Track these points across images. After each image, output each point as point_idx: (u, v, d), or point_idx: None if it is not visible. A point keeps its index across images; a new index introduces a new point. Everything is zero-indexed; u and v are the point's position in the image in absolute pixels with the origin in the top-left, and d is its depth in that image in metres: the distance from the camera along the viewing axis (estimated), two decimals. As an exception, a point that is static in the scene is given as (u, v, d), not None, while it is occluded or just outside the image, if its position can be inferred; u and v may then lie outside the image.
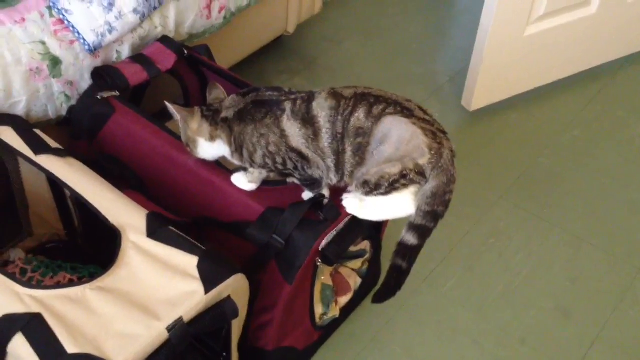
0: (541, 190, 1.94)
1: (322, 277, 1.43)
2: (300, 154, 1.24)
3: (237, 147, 1.28)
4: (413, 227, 1.22)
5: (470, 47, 2.06)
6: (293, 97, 1.25)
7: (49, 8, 1.47)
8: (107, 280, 1.13)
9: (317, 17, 2.36)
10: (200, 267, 1.15)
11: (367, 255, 1.56)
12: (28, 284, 1.11)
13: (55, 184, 1.44)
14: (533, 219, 1.85)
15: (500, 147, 2.07)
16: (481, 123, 2.14)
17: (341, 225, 1.31)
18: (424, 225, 1.21)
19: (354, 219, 1.31)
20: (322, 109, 1.21)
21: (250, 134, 1.25)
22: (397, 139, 1.16)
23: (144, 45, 1.63)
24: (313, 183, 1.29)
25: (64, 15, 1.47)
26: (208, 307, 1.12)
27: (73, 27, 1.48)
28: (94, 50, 1.51)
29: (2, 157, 1.43)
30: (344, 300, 1.53)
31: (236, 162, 1.32)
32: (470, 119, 2.15)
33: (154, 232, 1.20)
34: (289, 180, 1.33)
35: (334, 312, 1.49)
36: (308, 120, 1.22)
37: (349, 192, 1.27)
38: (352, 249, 1.52)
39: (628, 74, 2.34)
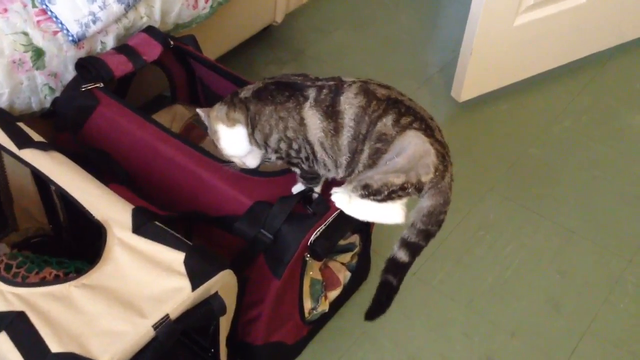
0: (531, 182, 1.93)
1: (311, 272, 1.42)
2: (312, 149, 1.20)
3: (252, 129, 1.23)
4: (406, 244, 1.22)
5: (460, 37, 2.04)
6: (319, 84, 1.19)
7: (32, -2, 1.44)
8: (92, 277, 1.11)
9: (306, 7, 2.34)
10: (187, 263, 1.13)
11: (357, 249, 1.55)
12: (11, 281, 1.08)
13: (40, 178, 1.41)
14: (523, 210, 1.84)
15: (490, 138, 2.06)
16: (471, 114, 2.13)
17: (330, 219, 1.29)
18: (417, 243, 1.21)
19: (344, 213, 1.29)
20: (350, 105, 1.16)
21: (268, 115, 1.19)
22: (412, 153, 1.15)
23: (129, 36, 1.60)
24: (313, 178, 1.27)
25: (47, 6, 1.44)
26: (195, 303, 1.10)
27: (56, 17, 1.45)
28: (77, 41, 1.48)
29: (-16, 151, 1.40)
30: (333, 294, 1.51)
31: (254, 147, 1.26)
32: (459, 110, 2.14)
33: (139, 227, 1.17)
34: (294, 169, 1.29)
35: (324, 306, 1.48)
36: (331, 115, 1.17)
37: (340, 185, 1.25)
38: (342, 242, 1.51)
39: (618, 63, 2.33)
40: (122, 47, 1.54)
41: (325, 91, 1.18)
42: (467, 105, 2.14)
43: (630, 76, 2.30)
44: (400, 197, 1.18)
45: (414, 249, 1.22)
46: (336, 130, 1.17)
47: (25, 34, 1.41)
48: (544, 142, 2.05)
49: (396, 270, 1.25)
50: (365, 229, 1.53)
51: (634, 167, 1.99)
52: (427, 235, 1.21)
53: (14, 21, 1.40)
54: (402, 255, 1.23)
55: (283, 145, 1.21)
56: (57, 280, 1.11)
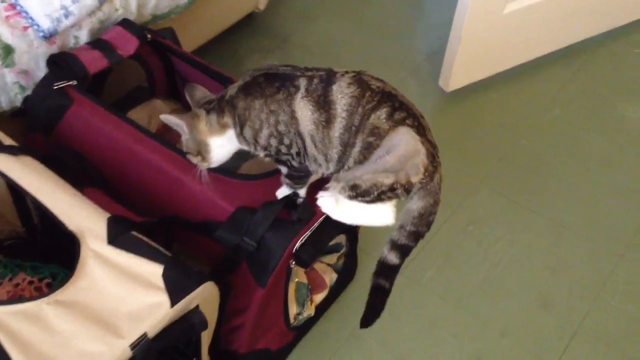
0: (522, 175, 1.89)
1: (297, 277, 1.37)
2: (304, 143, 1.15)
3: (241, 126, 1.17)
4: (396, 246, 1.19)
5: (447, 23, 1.99)
6: (309, 73, 1.13)
7: (-1, -8, 1.37)
8: (65, 292, 1.06)
9: (289, -8, 2.27)
10: (165, 276, 1.07)
11: (343, 249, 1.51)
12: (-21, 300, 1.03)
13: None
14: (513, 205, 1.81)
15: (479, 129, 2.02)
16: (459, 104, 2.08)
17: (316, 225, 1.24)
18: (407, 245, 1.18)
19: (330, 218, 1.24)
20: (343, 95, 1.10)
21: (259, 109, 1.13)
22: (402, 152, 1.10)
23: (104, 30, 1.53)
24: (300, 178, 1.21)
25: (15, 0, 1.37)
26: (175, 319, 1.06)
27: (26, 12, 1.38)
28: (49, 37, 1.41)
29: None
30: (319, 297, 1.48)
31: (243, 146, 1.21)
32: (447, 100, 2.09)
33: (115, 238, 1.12)
34: (281, 168, 1.23)
35: (310, 310, 1.44)
36: (323, 105, 1.11)
37: (326, 189, 1.20)
38: (328, 243, 1.46)
39: (609, 49, 2.28)
40: (97, 42, 1.47)
41: (316, 80, 1.12)
42: (455, 95, 2.09)
43: (621, 63, 2.25)
44: (389, 198, 1.14)
45: (403, 251, 1.20)
46: (328, 122, 1.11)
47: (-7, 30, 1.34)
48: (535, 132, 2.01)
49: (387, 273, 1.22)
50: (352, 228, 1.48)
51: (626, 158, 1.95)
52: (417, 236, 1.18)
53: (-20, 17, 1.33)
54: (393, 258, 1.20)
55: (273, 141, 1.16)
56: (28, 298, 1.05)
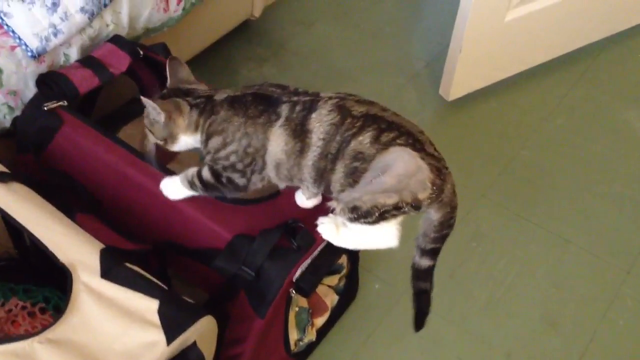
0: (524, 187, 1.85)
1: (297, 305, 1.33)
2: (264, 167, 1.14)
3: (212, 132, 1.15)
4: (425, 252, 1.18)
5: (447, 28, 1.95)
6: (295, 99, 1.12)
7: (-16, 11, 1.32)
8: (57, 330, 1.02)
9: (285, -2, 2.22)
10: (161, 312, 1.04)
11: (344, 271, 1.47)
12: (-32, 340, 0.99)
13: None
14: (516, 218, 1.77)
15: (480, 140, 1.98)
16: (460, 113, 2.04)
17: (316, 252, 1.20)
18: (435, 248, 1.17)
19: (331, 244, 1.20)
20: (320, 124, 1.09)
21: (236, 127, 1.12)
22: (402, 171, 1.07)
23: (95, 46, 1.48)
24: (219, 191, 1.19)
25: (2, 19, 1.32)
26: (171, 357, 1.02)
27: (13, 31, 1.33)
28: (37, 56, 1.37)
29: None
30: (320, 321, 1.44)
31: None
32: (447, 109, 2.05)
33: (108, 271, 1.08)
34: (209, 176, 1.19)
35: (311, 335, 1.40)
36: (300, 134, 1.09)
37: (332, 211, 1.16)
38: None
39: (610, 55, 2.24)
40: (87, 60, 1.43)
41: (298, 108, 1.11)
42: (456, 103, 2.05)
43: (624, 68, 2.21)
44: (394, 216, 1.10)
45: (434, 252, 1.19)
46: (302, 151, 1.10)
47: (-21, 50, 1.30)
48: (536, 142, 1.97)
49: (425, 275, 1.20)
50: (353, 250, 1.44)
51: (631, 168, 1.91)
52: (442, 238, 1.17)
53: (-35, 37, 1.28)
54: (425, 262, 1.19)
55: (234, 157, 1.14)
56: (18, 336, 1.01)
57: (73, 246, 1.11)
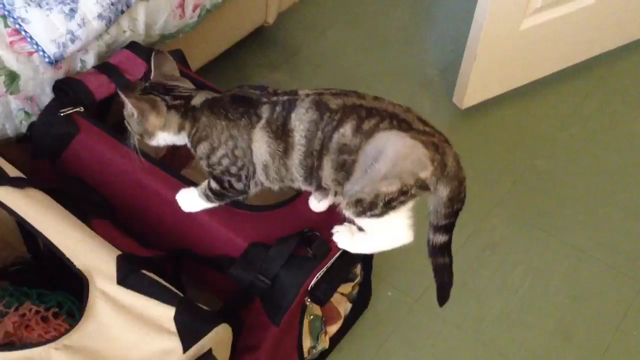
0: (538, 196, 1.84)
1: (312, 313, 1.33)
2: (254, 170, 1.14)
3: (198, 139, 1.15)
4: (438, 228, 1.14)
5: (460, 35, 1.94)
6: (274, 99, 1.11)
7: (4, 17, 1.32)
8: (73, 337, 1.02)
9: (298, 5, 2.22)
10: (177, 319, 1.04)
11: (358, 279, 1.46)
12: (-16, 347, 0.99)
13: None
14: (530, 228, 1.76)
15: (494, 149, 1.97)
16: (473, 121, 2.03)
17: (331, 261, 1.20)
18: (448, 223, 1.14)
19: (346, 253, 1.20)
20: (300, 121, 1.07)
21: (220, 131, 1.12)
22: (393, 155, 1.05)
23: (111, 52, 1.49)
24: (224, 197, 1.18)
25: (20, 25, 1.33)
26: (187, 365, 1.02)
27: (31, 37, 1.33)
28: (55, 62, 1.37)
29: (-45, 185, 1.29)
30: (333, 329, 1.43)
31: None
32: (461, 117, 2.04)
33: (125, 278, 1.08)
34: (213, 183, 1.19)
35: (324, 343, 1.40)
36: (282, 134, 1.08)
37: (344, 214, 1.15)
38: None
39: (626, 64, 2.23)
40: (104, 66, 1.43)
41: (278, 109, 1.10)
42: (469, 111, 2.05)
43: (638, 77, 2.20)
44: (403, 202, 1.08)
45: (447, 227, 1.15)
46: (285, 151, 1.09)
47: (-3, 56, 1.30)
48: (550, 151, 1.96)
49: (442, 251, 1.17)
50: (367, 258, 1.44)
51: (645, 178, 1.90)
52: (455, 213, 1.14)
53: (-16, 43, 1.29)
54: (440, 237, 1.15)
55: (225, 161, 1.14)
56: (36, 344, 1.01)
57: (89, 252, 1.11)
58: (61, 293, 1.41)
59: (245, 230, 1.21)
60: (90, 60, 1.46)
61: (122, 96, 1.13)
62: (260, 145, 1.10)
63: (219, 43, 2.00)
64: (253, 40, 2.16)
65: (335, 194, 1.12)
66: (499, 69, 1.99)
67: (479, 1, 1.79)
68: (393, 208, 1.08)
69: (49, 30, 1.34)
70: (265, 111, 1.10)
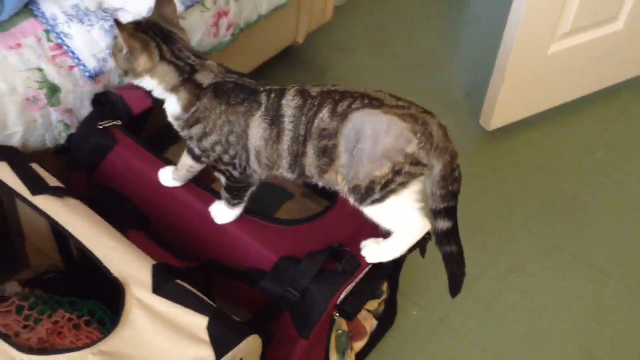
0: (564, 220, 1.84)
1: (340, 328, 1.35)
2: (248, 158, 1.16)
3: (196, 119, 1.16)
4: (438, 212, 1.14)
5: (486, 58, 1.96)
6: (268, 88, 1.15)
7: (47, 32, 1.37)
8: (110, 343, 1.04)
9: (327, 26, 2.26)
10: (210, 329, 1.06)
11: (384, 296, 1.47)
12: (26, 349, 1.02)
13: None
14: (556, 251, 1.76)
15: (520, 171, 1.98)
16: (500, 143, 2.05)
17: (360, 276, 1.22)
18: (447, 207, 1.13)
19: (375, 268, 1.22)
20: (288, 108, 1.12)
21: (218, 115, 1.14)
22: (372, 132, 1.07)
23: (149, 68, 1.52)
24: (240, 189, 1.21)
25: (62, 40, 1.37)
26: (218, 374, 1.04)
27: (73, 52, 1.38)
28: (94, 76, 1.41)
29: (-3, 193, 1.34)
30: (359, 345, 1.44)
31: (175, 126, 1.20)
32: (488, 139, 2.06)
33: (160, 287, 1.11)
34: (220, 177, 1.23)
35: (350, 359, 1.41)
36: (275, 120, 1.12)
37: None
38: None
39: (654, 90, 2.24)
40: (141, 81, 1.47)
41: (272, 96, 1.14)
42: (496, 134, 2.06)
43: (665, 103, 2.21)
44: (403, 184, 1.09)
45: (448, 212, 1.14)
46: (278, 136, 1.12)
47: (40, 70, 1.35)
48: (576, 175, 1.97)
49: (447, 238, 1.17)
50: (394, 275, 1.45)
51: (672, 204, 1.90)
52: (452, 195, 1.13)
53: (27, 57, 1.34)
54: (443, 223, 1.15)
55: (218, 149, 1.17)
56: (73, 348, 1.04)
57: (126, 261, 1.14)
58: (93, 302, 1.44)
59: (276, 244, 1.23)
60: (128, 75, 1.50)
61: (117, 29, 1.11)
62: (258, 131, 1.13)
63: (250, 61, 2.04)
64: (283, 59, 2.20)
65: (337, 184, 1.14)
66: (526, 92, 2.01)
67: (507, 25, 1.82)
68: (393, 191, 1.10)
69: (89, 45, 1.39)
70: (264, 98, 1.14)
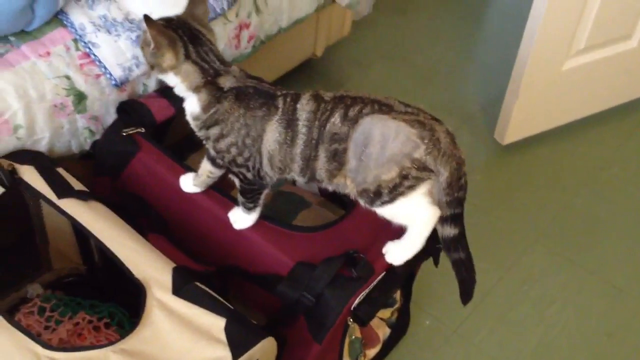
0: (577, 234, 1.86)
1: (353, 334, 1.37)
2: (261, 161, 1.20)
3: (214, 121, 1.19)
4: (444, 219, 1.16)
5: (502, 72, 1.99)
6: (284, 92, 1.19)
7: (75, 41, 1.42)
8: (130, 342, 1.08)
9: (345, 39, 2.30)
10: (227, 330, 1.09)
11: (397, 305, 1.50)
12: (49, 345, 1.05)
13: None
14: (569, 265, 1.78)
15: (534, 185, 2.00)
16: (514, 157, 2.07)
17: (374, 283, 1.24)
18: (454, 214, 1.16)
19: (389, 275, 1.25)
20: (302, 111, 1.16)
21: (236, 118, 1.18)
22: (380, 137, 1.10)
23: (172, 78, 1.57)
24: (254, 191, 1.24)
25: (90, 49, 1.42)
26: (234, 374, 1.07)
27: (100, 61, 1.43)
28: (120, 85, 1.46)
29: (24, 196, 1.38)
30: (372, 352, 1.47)
31: (193, 126, 1.23)
32: (502, 153, 2.08)
33: (179, 288, 1.14)
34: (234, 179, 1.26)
35: (362, 366, 1.43)
36: (290, 124, 1.16)
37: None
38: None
39: (667, 107, 2.25)
40: (164, 90, 1.51)
41: (288, 100, 1.17)
42: (510, 147, 2.08)
43: (681, 121, 2.22)
44: (411, 187, 1.12)
45: (455, 219, 1.17)
46: (292, 139, 1.16)
47: (68, 77, 1.39)
48: (590, 190, 1.98)
49: (455, 244, 1.19)
50: (408, 283, 1.48)
51: (685, 221, 1.91)
52: (458, 202, 1.15)
53: (56, 65, 1.38)
54: (449, 230, 1.17)
55: (234, 150, 1.20)
56: (95, 346, 1.08)
57: (147, 263, 1.18)
58: (112, 305, 1.47)
59: (293, 250, 1.26)
60: (152, 84, 1.54)
61: (147, 23, 1.14)
62: (273, 134, 1.17)
63: (269, 72, 2.07)
64: (301, 71, 2.24)
65: (345, 187, 1.17)
66: (540, 107, 2.03)
67: (522, 40, 1.85)
68: (401, 194, 1.13)
69: (116, 54, 1.44)
70: (280, 102, 1.17)
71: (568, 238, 1.85)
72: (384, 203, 1.15)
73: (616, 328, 1.64)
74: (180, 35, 1.18)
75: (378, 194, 1.13)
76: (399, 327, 1.55)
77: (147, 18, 1.14)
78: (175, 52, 1.17)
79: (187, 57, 1.18)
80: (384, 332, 1.49)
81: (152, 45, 1.16)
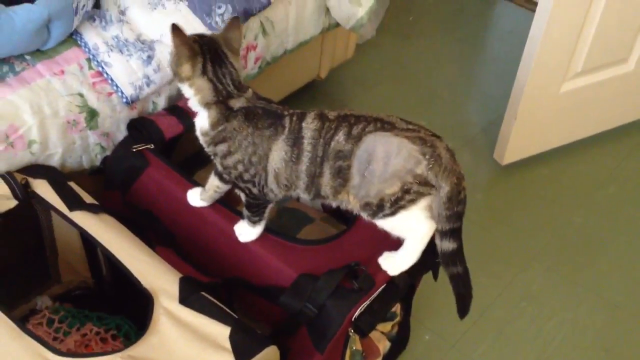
0: (575, 252, 1.89)
1: (354, 345, 1.40)
2: (266, 178, 1.24)
3: (222, 138, 1.23)
4: (443, 233, 1.20)
5: (503, 95, 2.04)
6: (291, 111, 1.23)
7: (89, 60, 1.47)
8: (138, 348, 1.11)
9: (349, 61, 2.35)
10: (232, 338, 1.13)
11: (398, 319, 1.53)
12: (60, 352, 1.09)
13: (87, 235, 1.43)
14: (566, 282, 1.81)
15: (532, 204, 2.04)
16: (513, 177, 2.11)
17: (375, 294, 1.28)
18: (452, 228, 1.19)
19: (389, 287, 1.28)
20: (308, 130, 1.20)
21: (244, 136, 1.22)
22: (383, 154, 1.15)
23: (180, 96, 1.61)
24: (259, 205, 1.28)
25: (103, 68, 1.47)
26: (239, 382, 1.10)
27: (112, 79, 1.48)
28: (131, 103, 1.51)
29: (36, 209, 1.42)
30: (372, 365, 1.49)
31: (201, 141, 1.27)
32: (501, 173, 2.12)
33: (186, 298, 1.18)
34: (240, 194, 1.30)
35: (363, 378, 1.46)
36: (296, 142, 1.20)
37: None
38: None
39: (664, 129, 2.30)
40: (173, 108, 1.57)
41: (294, 118, 1.21)
42: (510, 168, 2.13)
43: (677, 142, 2.26)
44: (412, 201, 1.17)
45: (453, 233, 1.20)
46: (297, 157, 1.20)
47: (81, 95, 1.45)
48: (588, 209, 2.02)
49: (452, 259, 1.22)
50: (408, 297, 1.51)
51: (682, 240, 1.94)
52: (457, 216, 1.19)
53: (70, 83, 1.44)
54: (448, 244, 1.21)
55: (240, 167, 1.24)
56: (103, 353, 1.11)
57: (155, 274, 1.22)
58: (119, 317, 1.51)
59: (296, 262, 1.30)
60: (162, 102, 1.59)
61: (175, 32, 1.19)
62: (279, 153, 1.21)
63: (274, 93, 2.12)
64: (306, 92, 2.29)
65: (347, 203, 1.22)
66: (538, 129, 2.07)
67: (521, 63, 1.89)
68: (403, 207, 1.17)
69: (127, 73, 1.49)
70: (287, 121, 1.21)
71: (566, 255, 1.88)
72: (385, 216, 1.19)
73: (613, 344, 1.67)
74: (204, 51, 1.22)
75: (380, 207, 1.18)
76: (399, 341, 1.57)
77: (174, 27, 1.20)
78: (192, 64, 1.21)
79: (204, 73, 1.22)
80: (384, 345, 1.52)
81: (174, 54, 1.22)
